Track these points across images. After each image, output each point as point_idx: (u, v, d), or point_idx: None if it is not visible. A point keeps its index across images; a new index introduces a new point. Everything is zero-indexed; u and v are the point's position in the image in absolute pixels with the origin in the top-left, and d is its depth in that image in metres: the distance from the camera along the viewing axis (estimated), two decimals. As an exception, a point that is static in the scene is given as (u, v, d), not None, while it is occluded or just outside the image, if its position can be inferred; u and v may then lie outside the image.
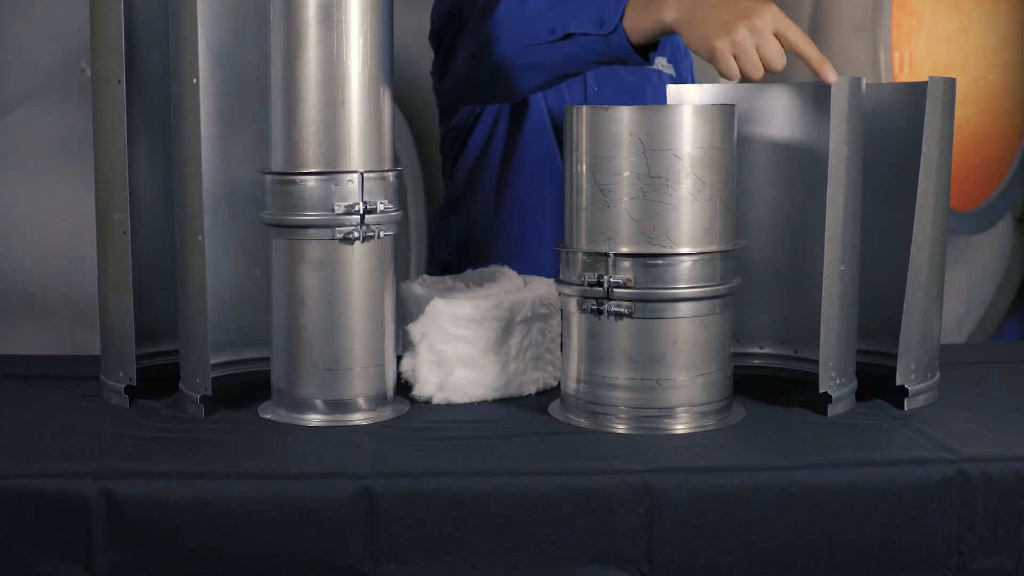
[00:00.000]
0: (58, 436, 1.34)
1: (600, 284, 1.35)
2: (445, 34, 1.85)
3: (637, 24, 1.49)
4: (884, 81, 2.82)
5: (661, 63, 2.01)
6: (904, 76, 2.89)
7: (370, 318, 1.40)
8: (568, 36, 1.56)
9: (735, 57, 1.37)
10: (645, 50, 1.53)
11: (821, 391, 1.41)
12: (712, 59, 1.39)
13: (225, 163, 1.48)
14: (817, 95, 1.48)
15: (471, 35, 1.74)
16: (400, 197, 1.44)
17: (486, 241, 1.95)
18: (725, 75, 1.38)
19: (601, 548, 1.20)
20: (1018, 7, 2.95)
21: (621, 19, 1.50)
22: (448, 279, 1.63)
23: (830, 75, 1.37)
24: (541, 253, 1.68)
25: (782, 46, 1.38)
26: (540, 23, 1.60)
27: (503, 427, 1.39)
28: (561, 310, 1.45)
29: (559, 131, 1.89)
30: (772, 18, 1.37)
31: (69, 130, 2.45)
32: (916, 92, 1.42)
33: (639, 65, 1.55)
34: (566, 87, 1.90)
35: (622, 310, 1.35)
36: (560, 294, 1.42)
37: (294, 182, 1.37)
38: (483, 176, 1.96)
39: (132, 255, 1.45)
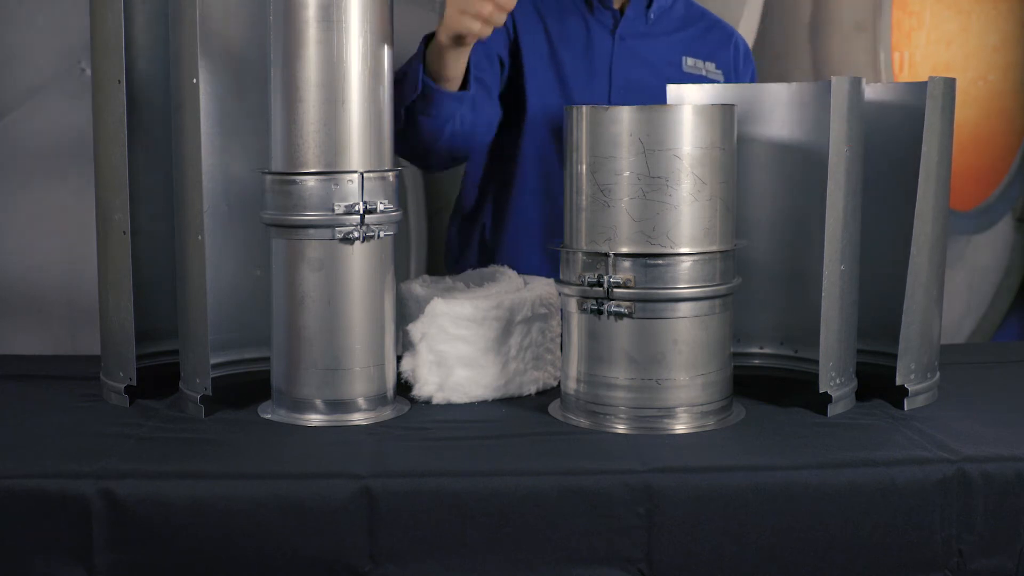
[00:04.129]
0: (58, 436, 1.34)
1: (600, 284, 1.35)
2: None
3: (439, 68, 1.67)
4: (884, 81, 2.82)
5: (709, 68, 1.95)
6: (904, 76, 2.88)
7: (370, 318, 1.40)
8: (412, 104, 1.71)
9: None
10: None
11: (821, 391, 1.41)
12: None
13: (225, 163, 1.48)
14: (817, 95, 1.48)
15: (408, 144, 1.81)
16: (400, 197, 1.44)
17: (496, 248, 1.95)
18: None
19: (601, 548, 1.20)
20: (1018, 7, 2.95)
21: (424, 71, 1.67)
22: (448, 279, 1.63)
23: None
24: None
25: None
26: (409, 108, 1.71)
27: (503, 427, 1.39)
28: (561, 310, 1.45)
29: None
30: None
31: (69, 130, 2.44)
32: (916, 92, 1.42)
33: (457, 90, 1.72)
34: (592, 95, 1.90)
35: (622, 310, 1.35)
36: (560, 294, 1.42)
37: (294, 182, 1.37)
38: (495, 186, 1.95)
39: (132, 255, 1.45)
